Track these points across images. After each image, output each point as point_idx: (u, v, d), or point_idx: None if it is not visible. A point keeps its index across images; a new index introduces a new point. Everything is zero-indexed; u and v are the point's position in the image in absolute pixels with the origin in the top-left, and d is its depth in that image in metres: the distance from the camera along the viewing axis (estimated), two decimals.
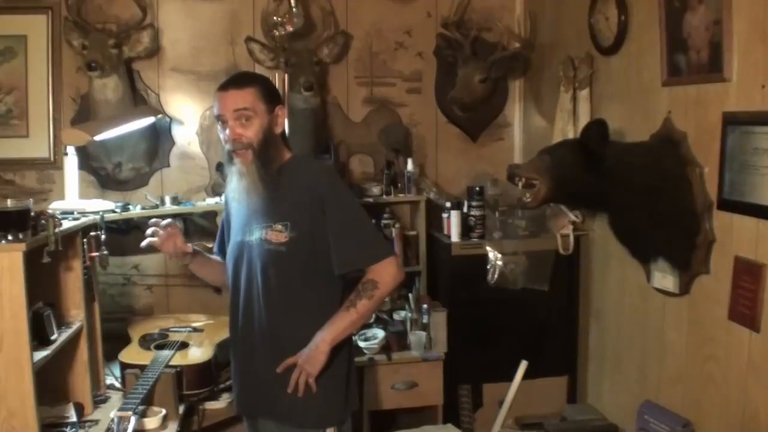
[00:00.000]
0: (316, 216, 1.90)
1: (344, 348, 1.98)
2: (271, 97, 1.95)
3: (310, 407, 1.92)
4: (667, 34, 2.30)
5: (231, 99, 1.89)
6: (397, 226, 3.28)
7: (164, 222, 2.02)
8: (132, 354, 2.56)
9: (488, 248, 3.02)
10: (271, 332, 1.95)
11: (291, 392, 1.89)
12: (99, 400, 2.43)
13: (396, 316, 3.15)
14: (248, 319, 1.99)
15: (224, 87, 1.93)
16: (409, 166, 3.29)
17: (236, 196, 1.96)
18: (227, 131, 1.90)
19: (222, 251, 2.20)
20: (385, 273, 1.91)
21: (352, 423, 2.06)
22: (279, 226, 1.91)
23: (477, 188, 3.10)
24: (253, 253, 1.96)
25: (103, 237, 2.42)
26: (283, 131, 2.02)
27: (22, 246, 1.82)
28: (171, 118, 3.23)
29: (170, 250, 2.02)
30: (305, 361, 1.88)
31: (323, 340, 1.88)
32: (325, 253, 1.91)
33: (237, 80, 1.96)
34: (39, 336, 2.00)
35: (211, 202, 3.07)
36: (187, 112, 3.26)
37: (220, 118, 1.91)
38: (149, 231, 2.00)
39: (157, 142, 3.21)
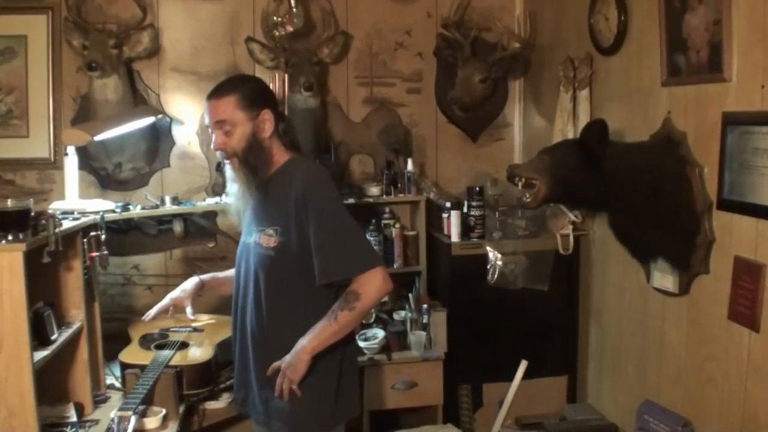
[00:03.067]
0: (302, 222, 1.87)
1: (335, 355, 1.96)
2: (255, 103, 1.93)
3: (296, 411, 1.93)
4: (667, 34, 2.30)
5: (212, 110, 1.94)
6: (397, 226, 3.28)
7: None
8: (132, 354, 2.55)
9: (488, 248, 3.02)
10: (260, 335, 1.96)
11: (277, 396, 1.90)
12: (99, 400, 2.42)
13: (396, 316, 3.15)
14: (243, 320, 2.02)
15: (208, 96, 1.96)
16: (409, 166, 3.29)
17: (234, 200, 2.00)
18: (213, 139, 1.96)
19: None
20: (370, 284, 1.86)
21: (351, 426, 2.07)
22: (270, 230, 1.92)
23: (477, 188, 3.10)
24: (251, 255, 1.98)
25: (103, 237, 2.42)
26: (283, 131, 2.00)
27: (22, 246, 1.82)
28: (171, 118, 3.23)
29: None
30: (287, 368, 1.89)
31: (303, 348, 1.87)
32: (312, 260, 1.89)
33: (217, 90, 1.96)
34: (39, 336, 1.99)
35: (211, 202, 3.07)
36: (187, 112, 3.26)
37: (209, 127, 1.98)
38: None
39: (158, 142, 3.21)
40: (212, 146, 1.98)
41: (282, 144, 1.99)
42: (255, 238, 1.96)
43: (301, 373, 1.87)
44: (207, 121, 1.97)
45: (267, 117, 1.94)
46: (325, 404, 1.97)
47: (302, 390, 1.89)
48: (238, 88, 1.95)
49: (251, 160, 1.92)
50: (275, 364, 1.91)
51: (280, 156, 1.98)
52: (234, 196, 2.00)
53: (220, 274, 2.40)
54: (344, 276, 1.88)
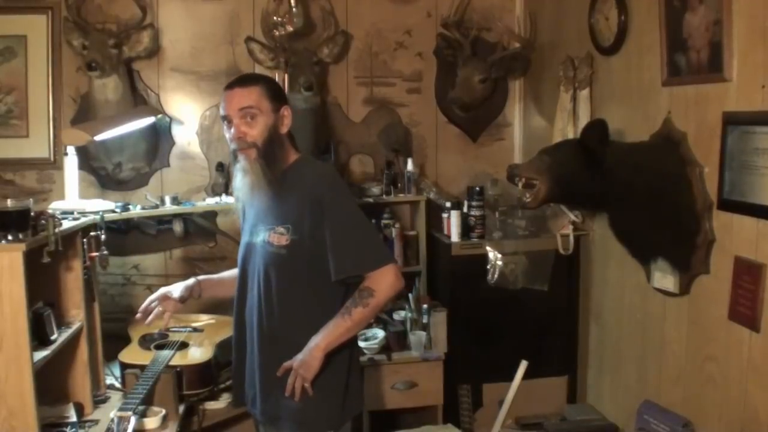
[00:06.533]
0: (317, 219, 1.89)
1: (344, 354, 1.97)
2: (277, 97, 1.97)
3: (306, 410, 1.92)
4: (667, 34, 2.30)
5: (236, 97, 1.91)
6: (397, 226, 3.28)
7: (154, 304, 2.15)
8: (132, 354, 2.55)
9: (488, 248, 3.02)
10: (270, 334, 1.95)
11: (288, 396, 1.90)
12: (99, 400, 2.42)
13: (396, 316, 3.15)
14: (251, 319, 2.00)
15: (230, 86, 1.95)
16: (409, 166, 3.29)
17: (240, 195, 1.97)
18: (232, 130, 1.92)
19: None
20: (383, 281, 1.89)
21: (353, 425, 2.06)
22: (281, 229, 1.92)
23: (477, 188, 3.09)
24: (258, 254, 1.97)
25: (103, 237, 2.42)
26: (290, 132, 2.02)
27: (22, 246, 1.82)
28: (171, 118, 3.23)
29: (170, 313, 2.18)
30: (299, 366, 1.88)
31: (317, 346, 1.88)
32: (325, 257, 1.90)
33: (242, 80, 1.99)
34: (39, 336, 1.99)
35: (211, 202, 3.07)
36: (187, 112, 3.26)
37: (226, 118, 1.93)
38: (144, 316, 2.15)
39: (157, 142, 3.21)
40: (230, 136, 1.93)
41: (291, 144, 2.02)
42: (263, 237, 1.95)
43: (314, 370, 1.87)
44: (225, 110, 1.92)
45: (287, 113, 1.98)
46: (335, 402, 1.97)
47: (313, 389, 1.89)
48: (263, 80, 1.99)
49: (269, 152, 1.92)
50: (286, 364, 1.90)
51: (290, 155, 2.00)
52: (241, 190, 1.95)
53: (214, 276, 2.31)
54: (359, 272, 1.90)
